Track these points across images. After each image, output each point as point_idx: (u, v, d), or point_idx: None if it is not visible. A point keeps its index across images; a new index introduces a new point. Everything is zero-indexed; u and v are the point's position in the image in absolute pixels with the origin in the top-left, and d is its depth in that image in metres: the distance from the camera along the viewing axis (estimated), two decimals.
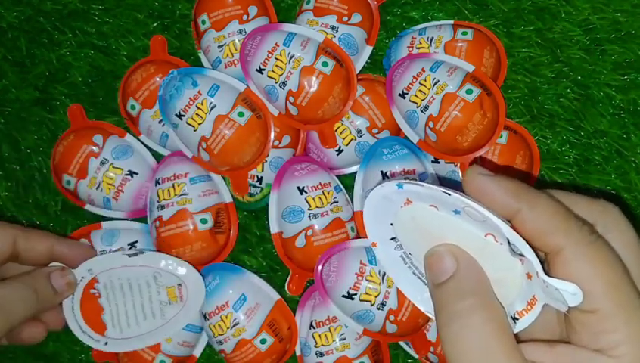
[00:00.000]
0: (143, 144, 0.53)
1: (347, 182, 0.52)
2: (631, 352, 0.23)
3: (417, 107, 0.49)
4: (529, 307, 0.26)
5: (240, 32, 0.51)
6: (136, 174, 0.51)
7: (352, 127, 0.51)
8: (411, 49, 0.51)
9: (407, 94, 0.49)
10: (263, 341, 0.49)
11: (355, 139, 0.51)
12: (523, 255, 0.26)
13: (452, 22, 0.52)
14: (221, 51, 0.51)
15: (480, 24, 0.52)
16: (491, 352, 0.24)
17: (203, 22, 0.52)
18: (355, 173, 0.51)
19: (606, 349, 0.24)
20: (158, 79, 0.52)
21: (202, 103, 0.49)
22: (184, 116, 0.49)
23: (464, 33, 0.50)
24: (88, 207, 0.52)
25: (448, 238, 0.27)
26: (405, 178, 0.27)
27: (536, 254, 0.25)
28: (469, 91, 0.47)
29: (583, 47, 0.52)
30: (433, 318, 0.27)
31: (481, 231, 0.27)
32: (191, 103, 0.49)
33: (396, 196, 0.28)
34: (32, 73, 0.55)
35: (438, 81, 0.48)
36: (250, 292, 0.50)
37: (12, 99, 0.55)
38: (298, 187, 0.49)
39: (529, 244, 0.25)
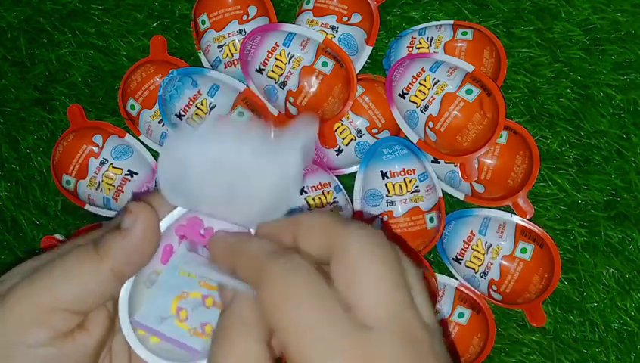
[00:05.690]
0: (143, 144, 0.53)
1: (347, 182, 0.52)
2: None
3: (417, 107, 0.49)
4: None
5: (240, 32, 0.51)
6: (136, 174, 0.51)
7: (352, 127, 0.51)
8: (410, 49, 0.51)
9: (407, 94, 0.49)
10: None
11: (355, 139, 0.51)
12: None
13: (451, 22, 0.52)
14: (221, 51, 0.51)
15: (479, 24, 0.52)
16: None
17: (203, 22, 0.52)
18: (355, 173, 0.51)
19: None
20: (158, 79, 0.52)
21: (202, 104, 0.49)
22: (184, 116, 0.49)
23: (464, 33, 0.50)
24: (88, 207, 0.52)
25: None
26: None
27: None
28: (469, 91, 0.47)
29: (583, 47, 0.52)
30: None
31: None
32: (191, 103, 0.49)
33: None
34: (31, 73, 0.55)
35: (438, 81, 0.48)
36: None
37: (12, 99, 0.55)
38: None
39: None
